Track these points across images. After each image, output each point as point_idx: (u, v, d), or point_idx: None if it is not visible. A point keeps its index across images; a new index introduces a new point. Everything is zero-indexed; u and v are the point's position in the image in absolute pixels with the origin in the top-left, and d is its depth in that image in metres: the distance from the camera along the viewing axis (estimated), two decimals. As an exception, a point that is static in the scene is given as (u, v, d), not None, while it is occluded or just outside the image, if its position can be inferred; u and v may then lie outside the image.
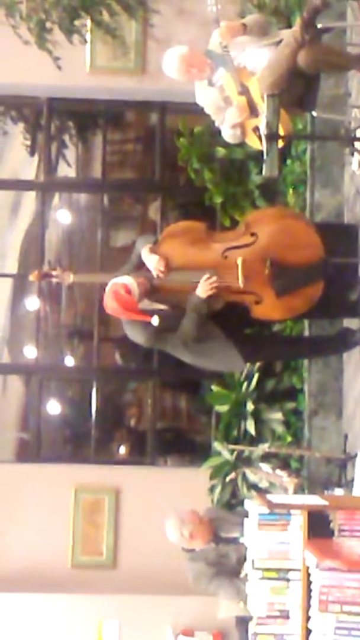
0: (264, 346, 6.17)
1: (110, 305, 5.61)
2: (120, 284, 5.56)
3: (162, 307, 5.71)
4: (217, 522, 5.78)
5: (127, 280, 5.58)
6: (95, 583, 7.76)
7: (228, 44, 5.60)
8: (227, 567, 5.59)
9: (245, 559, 4.60)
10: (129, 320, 5.71)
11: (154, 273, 5.67)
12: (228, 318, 5.78)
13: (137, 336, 5.74)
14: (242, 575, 5.09)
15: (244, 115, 5.74)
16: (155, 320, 5.51)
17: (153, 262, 5.66)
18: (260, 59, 5.70)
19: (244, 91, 5.71)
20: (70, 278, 5.82)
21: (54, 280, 5.87)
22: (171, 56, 5.78)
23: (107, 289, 5.63)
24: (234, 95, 5.75)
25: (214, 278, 5.62)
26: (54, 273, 5.84)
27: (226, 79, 5.76)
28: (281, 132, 5.42)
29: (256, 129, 5.70)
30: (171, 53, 5.79)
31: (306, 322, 6.83)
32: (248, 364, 6.65)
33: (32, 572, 7.72)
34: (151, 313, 5.59)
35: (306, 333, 6.86)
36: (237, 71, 5.69)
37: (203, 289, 5.59)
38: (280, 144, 5.33)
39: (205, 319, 5.65)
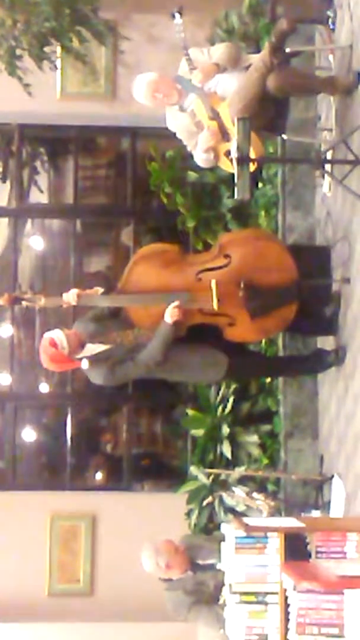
0: (241, 357, 6.09)
1: (42, 359, 5.73)
2: (48, 338, 5.67)
3: (106, 346, 5.74)
4: (193, 550, 5.74)
5: (55, 334, 5.67)
6: (72, 611, 7.70)
7: (203, 84, 5.64)
8: (205, 594, 5.56)
9: (223, 585, 4.58)
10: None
11: None
12: (203, 338, 5.77)
13: (96, 379, 5.80)
14: (220, 601, 5.05)
15: (216, 139, 5.77)
16: (85, 364, 5.67)
17: None
18: (229, 84, 5.74)
19: (215, 116, 5.74)
20: (41, 301, 5.79)
21: (25, 304, 5.84)
22: (139, 82, 5.85)
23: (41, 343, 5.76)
24: (205, 120, 5.79)
25: (178, 302, 5.62)
26: (24, 297, 5.82)
27: (197, 105, 5.79)
28: (253, 156, 5.44)
29: (228, 153, 5.73)
30: (139, 79, 5.87)
31: (280, 344, 6.83)
32: (223, 378, 6.54)
33: (8, 601, 7.65)
34: (92, 358, 5.67)
35: (281, 354, 6.86)
36: (208, 96, 5.73)
37: (170, 314, 5.60)
38: (252, 167, 5.35)
39: (171, 344, 5.64)
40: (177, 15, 5.56)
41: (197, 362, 5.81)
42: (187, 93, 5.84)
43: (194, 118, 5.86)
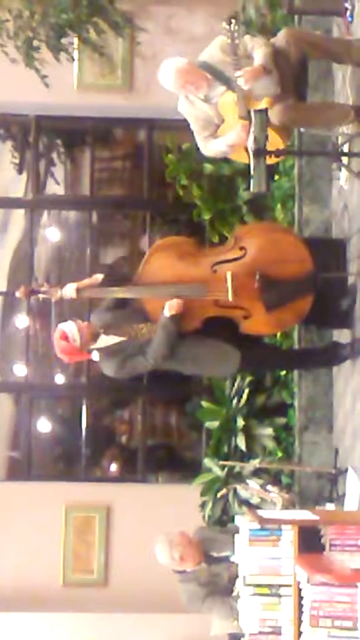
0: (256, 349, 6.10)
1: (56, 349, 5.80)
2: (60, 330, 5.73)
3: (119, 339, 5.76)
4: (207, 542, 5.75)
5: (67, 326, 5.72)
6: (86, 601, 7.73)
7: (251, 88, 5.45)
8: (219, 586, 5.56)
9: (236, 578, 4.59)
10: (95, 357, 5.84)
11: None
12: (218, 331, 5.77)
13: (106, 369, 5.85)
14: (234, 594, 5.06)
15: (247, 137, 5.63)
16: (95, 356, 5.74)
17: None
18: (263, 84, 5.55)
19: (248, 115, 5.47)
20: (58, 294, 5.82)
21: (42, 296, 5.87)
22: (168, 68, 5.52)
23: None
24: (231, 117, 5.50)
25: (179, 300, 5.62)
26: (41, 289, 5.85)
27: (226, 100, 5.50)
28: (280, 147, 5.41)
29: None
30: (168, 65, 5.53)
31: (295, 337, 6.83)
32: (237, 371, 6.54)
33: (23, 590, 7.69)
34: (105, 350, 5.71)
35: (296, 347, 6.85)
36: (245, 96, 5.41)
37: (168, 307, 5.61)
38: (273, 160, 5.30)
39: (175, 338, 5.64)
40: (232, 21, 5.37)
41: (210, 356, 5.82)
42: (216, 84, 5.55)
43: (217, 110, 5.68)
